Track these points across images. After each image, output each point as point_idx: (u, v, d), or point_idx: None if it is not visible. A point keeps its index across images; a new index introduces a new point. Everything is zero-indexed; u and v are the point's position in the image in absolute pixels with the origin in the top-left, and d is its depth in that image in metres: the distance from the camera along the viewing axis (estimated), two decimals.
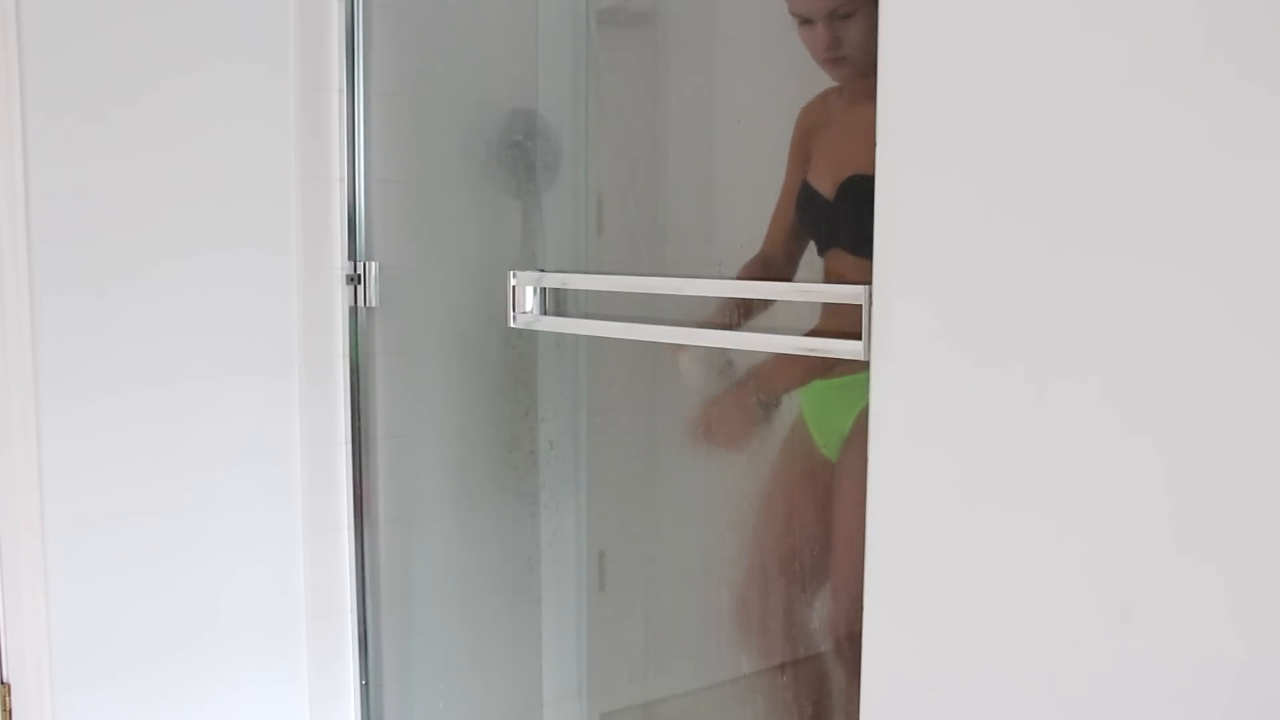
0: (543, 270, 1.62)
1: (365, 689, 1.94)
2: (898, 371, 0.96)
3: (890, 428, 0.97)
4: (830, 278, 1.43)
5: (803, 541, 1.54)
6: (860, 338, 1.03)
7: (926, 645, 0.95)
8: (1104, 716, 0.84)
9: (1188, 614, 0.79)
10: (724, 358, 1.50)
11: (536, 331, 1.74)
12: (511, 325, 1.62)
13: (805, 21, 1.42)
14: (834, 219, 1.43)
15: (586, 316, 1.61)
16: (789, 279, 1.45)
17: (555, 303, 1.60)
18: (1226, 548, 0.76)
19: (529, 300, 1.60)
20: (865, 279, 1.38)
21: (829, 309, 1.25)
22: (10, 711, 1.67)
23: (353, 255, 1.86)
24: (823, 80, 1.46)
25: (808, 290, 1.28)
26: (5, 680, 1.67)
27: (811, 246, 1.45)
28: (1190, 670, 0.79)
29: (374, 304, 1.88)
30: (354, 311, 1.88)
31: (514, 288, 1.60)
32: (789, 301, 1.35)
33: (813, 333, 1.26)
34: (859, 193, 1.41)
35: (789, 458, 1.57)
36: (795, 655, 1.55)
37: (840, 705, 1.43)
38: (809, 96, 1.49)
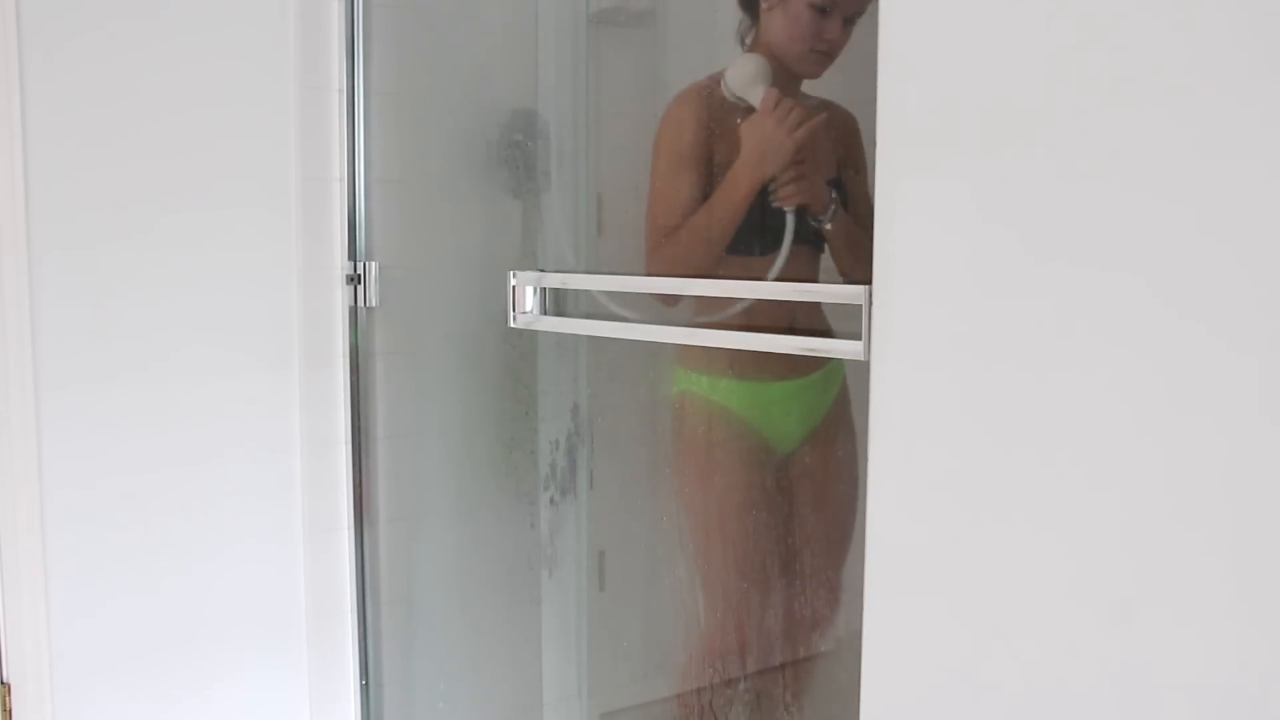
0: (543, 270, 1.62)
1: (365, 689, 1.94)
2: (898, 371, 0.96)
3: (890, 428, 0.96)
4: (791, 274, 1.45)
5: (777, 536, 1.56)
6: (860, 338, 1.03)
7: (926, 644, 0.95)
8: (1105, 717, 0.84)
9: (1189, 613, 0.79)
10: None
11: (536, 331, 1.74)
12: (511, 325, 1.62)
13: (820, 10, 1.41)
14: (800, 217, 1.44)
15: (586, 316, 1.61)
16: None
17: (555, 303, 1.60)
18: (1228, 547, 0.76)
19: (529, 300, 1.60)
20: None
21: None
22: (10, 711, 1.67)
23: (353, 255, 1.87)
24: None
25: (808, 290, 1.28)
26: (5, 680, 1.67)
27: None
28: (1191, 670, 0.79)
29: (374, 304, 1.88)
30: (354, 311, 1.88)
31: (514, 288, 1.60)
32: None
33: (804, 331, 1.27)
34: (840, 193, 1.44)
35: (741, 466, 1.59)
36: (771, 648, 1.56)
37: (838, 703, 1.44)
38: (815, 98, 1.49)
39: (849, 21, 1.42)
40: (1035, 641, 0.88)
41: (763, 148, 1.44)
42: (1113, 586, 0.82)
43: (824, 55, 1.43)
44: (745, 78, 1.46)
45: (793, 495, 1.58)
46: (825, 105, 1.49)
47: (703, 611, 1.64)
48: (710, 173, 1.50)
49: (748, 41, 1.50)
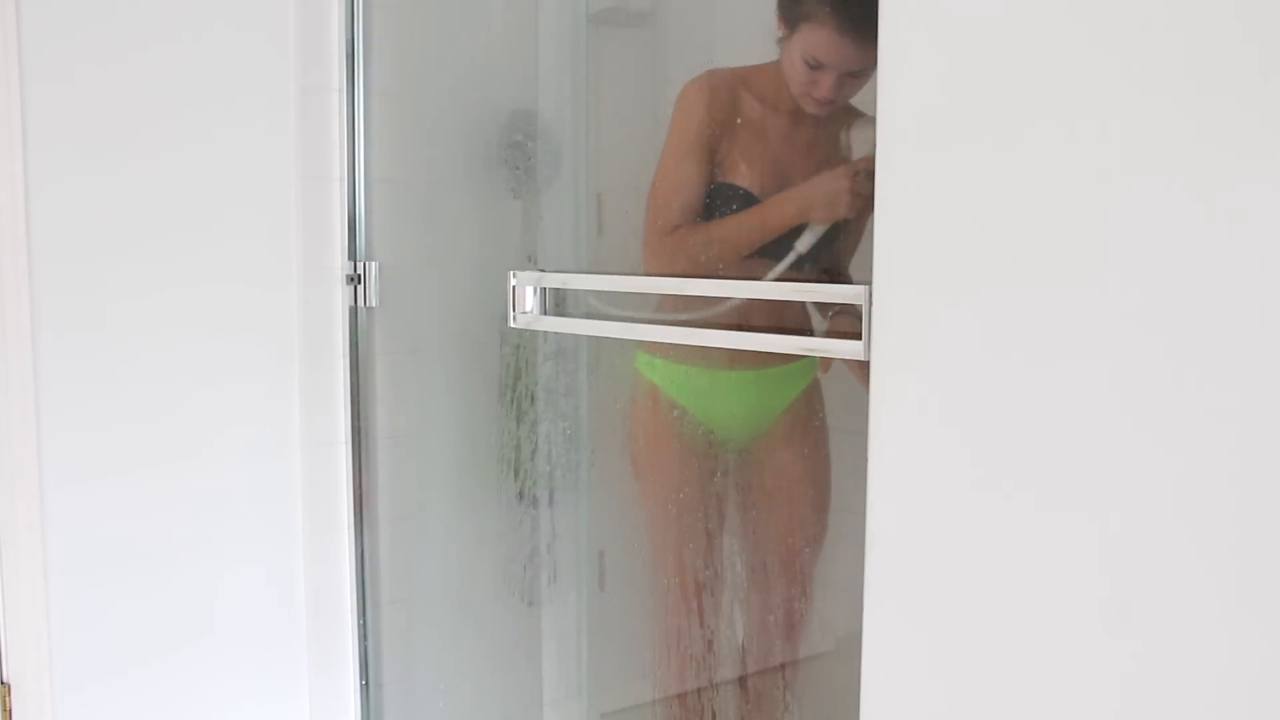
0: (543, 270, 1.62)
1: (365, 689, 1.94)
2: (898, 371, 0.96)
3: (890, 428, 0.97)
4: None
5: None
6: (860, 338, 1.03)
7: (926, 645, 0.95)
8: (1105, 717, 0.84)
9: (1189, 613, 0.79)
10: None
11: (536, 331, 1.75)
12: (511, 325, 1.62)
13: (814, 66, 1.40)
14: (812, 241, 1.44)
15: (586, 316, 1.61)
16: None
17: (555, 303, 1.60)
18: (1229, 547, 0.76)
19: (529, 300, 1.60)
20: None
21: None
22: (10, 711, 1.67)
23: (353, 255, 1.87)
24: None
25: (808, 290, 1.28)
26: (5, 680, 1.67)
27: None
28: (1191, 671, 0.79)
29: (374, 304, 1.88)
30: (354, 311, 1.88)
31: (514, 288, 1.60)
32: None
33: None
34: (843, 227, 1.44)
35: (677, 451, 1.59)
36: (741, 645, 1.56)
37: (835, 703, 1.44)
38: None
39: (850, 76, 1.41)
40: (1035, 641, 0.88)
41: (827, 199, 1.43)
42: (1113, 586, 0.82)
43: (818, 103, 1.43)
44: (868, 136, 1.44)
45: (744, 490, 1.57)
46: (855, 113, 1.47)
47: (659, 609, 1.64)
48: (713, 160, 1.50)
49: (780, 49, 1.50)
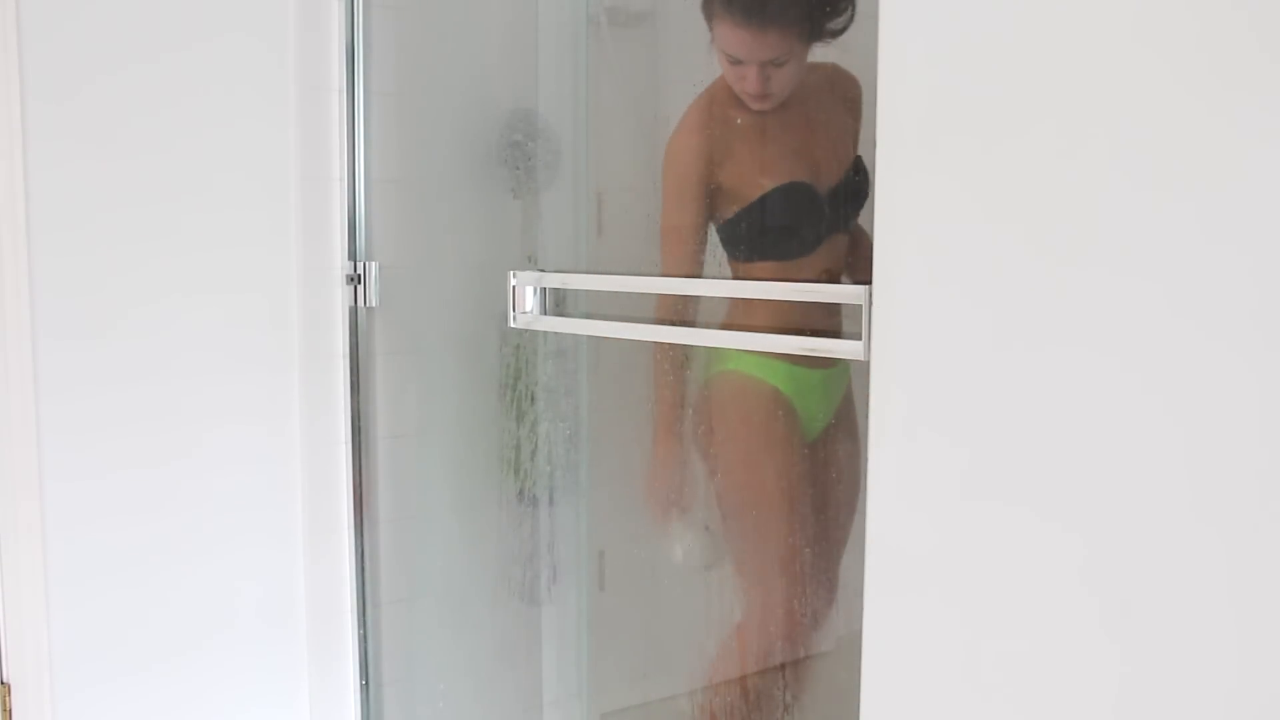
0: (543, 270, 1.62)
1: (365, 689, 1.94)
2: (898, 371, 0.96)
3: (890, 427, 0.97)
4: (831, 262, 1.45)
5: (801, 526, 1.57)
6: (860, 338, 1.03)
7: (926, 644, 0.95)
8: (1104, 717, 0.84)
9: (1189, 613, 0.79)
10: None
11: (536, 331, 1.74)
12: (511, 325, 1.62)
13: (735, 61, 1.43)
14: (835, 206, 1.45)
15: (586, 316, 1.61)
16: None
17: (555, 303, 1.60)
18: (1228, 546, 0.76)
19: (529, 300, 1.60)
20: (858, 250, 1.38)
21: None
22: (10, 712, 1.67)
23: (353, 255, 1.87)
24: None
25: (808, 290, 1.28)
26: (5, 680, 1.67)
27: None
28: (1191, 670, 0.79)
29: (374, 304, 1.88)
30: (354, 311, 1.88)
31: (514, 288, 1.60)
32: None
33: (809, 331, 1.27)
34: (860, 178, 1.45)
35: (785, 445, 1.61)
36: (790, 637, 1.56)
37: (837, 702, 1.44)
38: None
39: (774, 66, 1.42)
40: (1035, 641, 0.88)
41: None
42: (1113, 586, 0.82)
43: (756, 98, 1.46)
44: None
45: (821, 479, 1.59)
46: (820, 68, 1.48)
47: (746, 598, 1.64)
48: (713, 188, 1.52)
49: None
